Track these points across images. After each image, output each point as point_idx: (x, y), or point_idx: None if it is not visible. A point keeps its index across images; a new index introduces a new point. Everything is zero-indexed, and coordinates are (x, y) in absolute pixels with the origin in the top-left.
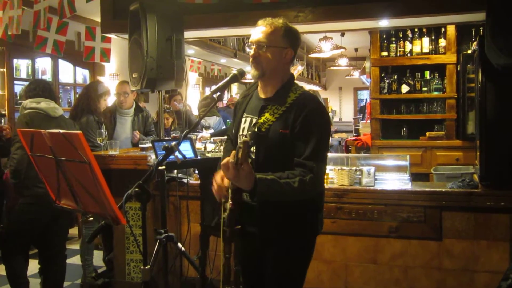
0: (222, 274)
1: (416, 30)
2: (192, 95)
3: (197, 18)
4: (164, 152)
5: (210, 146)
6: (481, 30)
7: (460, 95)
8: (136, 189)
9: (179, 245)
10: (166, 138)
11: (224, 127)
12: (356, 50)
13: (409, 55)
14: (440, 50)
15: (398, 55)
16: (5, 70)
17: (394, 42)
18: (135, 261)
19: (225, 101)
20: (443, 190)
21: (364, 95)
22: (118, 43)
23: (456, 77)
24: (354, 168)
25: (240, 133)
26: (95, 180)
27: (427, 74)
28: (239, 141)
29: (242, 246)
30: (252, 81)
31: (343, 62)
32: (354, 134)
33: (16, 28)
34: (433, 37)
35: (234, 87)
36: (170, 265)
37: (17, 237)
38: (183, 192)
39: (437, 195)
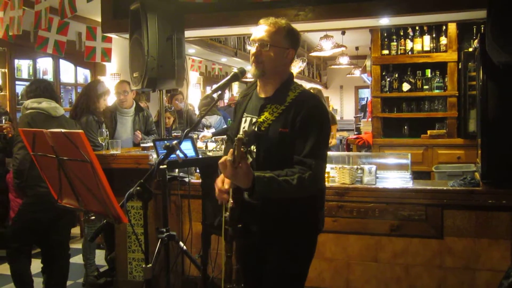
0: (223, 272)
1: (417, 28)
2: (193, 95)
3: (197, 17)
4: (165, 151)
5: (211, 145)
6: (482, 28)
7: (461, 93)
8: (138, 188)
9: (181, 243)
10: (168, 137)
11: (225, 126)
12: (357, 48)
13: (410, 53)
14: (441, 48)
15: (399, 53)
16: (6, 70)
17: (395, 40)
18: (137, 260)
19: (226, 100)
20: (445, 188)
21: (365, 93)
22: (119, 43)
23: (457, 75)
24: (355, 166)
25: (241, 132)
26: (96, 179)
27: (428, 72)
28: None
29: (243, 244)
30: (253, 79)
31: (344, 60)
32: (355, 133)
33: (17, 29)
34: (434, 35)
35: (235, 86)
36: (171, 264)
37: (20, 237)
38: (184, 191)
39: (438, 193)
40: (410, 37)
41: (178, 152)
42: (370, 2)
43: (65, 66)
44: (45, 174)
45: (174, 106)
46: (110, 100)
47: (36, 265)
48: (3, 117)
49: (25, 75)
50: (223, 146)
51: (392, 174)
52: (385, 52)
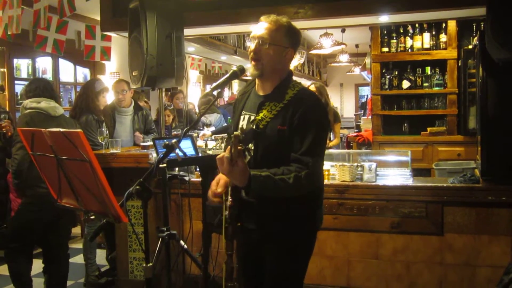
0: (224, 271)
1: (416, 25)
2: (193, 93)
3: (196, 15)
4: (165, 149)
5: (211, 144)
6: (481, 25)
7: (461, 90)
8: (137, 187)
9: (182, 242)
10: (168, 136)
11: (225, 124)
12: (357, 46)
13: (410, 50)
14: (441, 46)
15: (399, 50)
16: (5, 70)
17: (394, 38)
18: (137, 259)
19: (226, 99)
20: (445, 185)
21: (365, 91)
22: (118, 41)
23: (457, 72)
24: (355, 164)
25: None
26: (96, 178)
27: (428, 70)
28: None
29: (242, 242)
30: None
31: (344, 58)
32: (356, 130)
33: (16, 28)
34: (433, 33)
35: (235, 84)
36: (172, 263)
37: (19, 237)
38: (184, 190)
39: (438, 190)
40: (410, 34)
41: (177, 150)
42: None
43: (65, 65)
44: (44, 174)
45: (175, 105)
46: (109, 98)
47: (37, 265)
48: (3, 115)
49: (24, 75)
50: (223, 145)
51: (392, 171)
52: (385, 49)
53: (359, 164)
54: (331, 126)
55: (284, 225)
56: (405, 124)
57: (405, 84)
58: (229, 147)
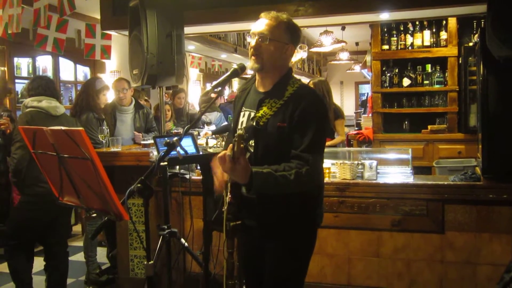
0: (225, 269)
1: (417, 23)
2: (193, 91)
3: (197, 13)
4: (166, 148)
5: (212, 142)
6: (482, 22)
7: (461, 88)
8: (139, 185)
9: (182, 240)
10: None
11: (225, 123)
12: (357, 44)
13: (410, 48)
14: (441, 43)
15: (399, 48)
16: (5, 68)
17: (395, 36)
18: (138, 257)
19: (225, 97)
20: (445, 183)
21: (366, 89)
22: (118, 40)
23: (457, 70)
24: (356, 162)
25: (239, 127)
26: (97, 176)
27: (429, 67)
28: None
29: (242, 240)
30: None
31: (344, 56)
32: (356, 128)
33: (16, 27)
34: (434, 30)
35: (235, 82)
36: (173, 261)
37: (18, 235)
38: (185, 188)
39: (439, 188)
40: (410, 32)
41: (178, 148)
42: None
43: (65, 63)
44: (46, 172)
45: (177, 104)
46: (109, 97)
47: (39, 263)
48: (3, 113)
49: (24, 73)
50: (223, 143)
51: (393, 169)
52: (385, 47)
53: (359, 162)
54: (331, 123)
55: (285, 222)
56: (406, 122)
57: (406, 81)
58: (230, 145)
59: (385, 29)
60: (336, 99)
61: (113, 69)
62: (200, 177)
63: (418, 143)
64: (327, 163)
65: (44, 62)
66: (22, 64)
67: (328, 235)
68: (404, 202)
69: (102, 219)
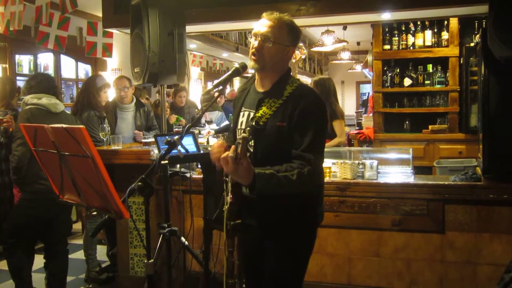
0: (225, 267)
1: (418, 23)
2: (194, 90)
3: (198, 12)
4: (166, 146)
5: (213, 141)
6: (484, 23)
7: (463, 88)
8: (139, 184)
9: (183, 239)
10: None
11: (226, 121)
12: (358, 43)
13: (411, 48)
14: (443, 43)
15: (400, 48)
16: (7, 65)
17: (396, 35)
18: (138, 256)
19: (225, 95)
20: (446, 183)
21: (367, 88)
22: (120, 38)
23: (458, 70)
24: (356, 161)
25: (239, 127)
26: (98, 174)
27: (430, 67)
28: (237, 135)
29: (242, 239)
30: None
31: (346, 55)
32: (357, 128)
33: (18, 24)
34: (435, 30)
35: (236, 81)
36: (173, 259)
37: (18, 233)
38: (186, 186)
39: (439, 188)
40: (411, 32)
41: (179, 147)
42: None
43: (66, 61)
44: (46, 170)
45: (178, 103)
46: (110, 95)
47: (39, 261)
48: (8, 111)
49: (26, 71)
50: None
51: (393, 169)
52: (387, 47)
53: (360, 162)
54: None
55: (285, 222)
56: (407, 122)
57: (407, 81)
58: (233, 146)
59: (387, 29)
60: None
61: (115, 67)
62: (201, 176)
63: (419, 143)
64: (327, 162)
65: (46, 60)
66: (24, 61)
67: (328, 234)
68: (405, 202)
69: (102, 217)
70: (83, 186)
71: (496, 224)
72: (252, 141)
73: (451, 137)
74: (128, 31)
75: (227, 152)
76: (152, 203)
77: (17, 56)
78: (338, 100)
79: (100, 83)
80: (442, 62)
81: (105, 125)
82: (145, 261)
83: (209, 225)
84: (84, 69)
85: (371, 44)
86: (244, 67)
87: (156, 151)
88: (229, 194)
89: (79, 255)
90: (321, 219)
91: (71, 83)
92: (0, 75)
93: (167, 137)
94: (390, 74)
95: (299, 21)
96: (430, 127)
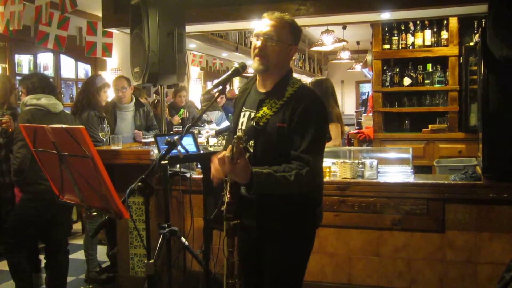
0: (225, 267)
1: (418, 22)
2: (194, 89)
3: (198, 12)
4: (166, 146)
5: (213, 140)
6: (483, 22)
7: (462, 87)
8: (139, 184)
9: (183, 239)
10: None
11: (226, 121)
12: (358, 43)
13: (411, 47)
14: (442, 43)
15: (400, 47)
16: (7, 65)
17: (396, 35)
18: (138, 256)
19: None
20: (446, 182)
21: (366, 88)
22: (119, 38)
23: (458, 70)
24: (356, 161)
25: (239, 127)
26: (98, 174)
27: (429, 67)
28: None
29: (241, 239)
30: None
31: (345, 55)
32: (357, 127)
33: (17, 24)
34: (435, 30)
35: (236, 81)
36: (173, 260)
37: (19, 233)
38: (186, 186)
39: (439, 187)
40: (411, 31)
41: (179, 147)
42: None
43: (66, 61)
44: (46, 170)
45: (178, 102)
46: (110, 95)
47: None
48: (6, 111)
49: (25, 70)
50: (224, 142)
51: (393, 168)
52: (386, 46)
53: (360, 161)
54: None
55: (284, 223)
56: (406, 121)
57: (406, 81)
58: (230, 146)
59: (386, 29)
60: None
61: (114, 67)
62: (201, 176)
63: (419, 142)
64: (327, 162)
65: (45, 59)
66: (23, 61)
67: (328, 234)
68: (405, 201)
69: (102, 217)
70: (83, 186)
71: (496, 223)
72: (252, 142)
73: (451, 136)
74: (128, 31)
75: (223, 152)
76: (152, 203)
77: (16, 56)
78: (337, 101)
79: (100, 83)
80: (441, 62)
81: (104, 125)
82: (145, 261)
83: (209, 225)
84: (84, 69)
85: (370, 43)
86: (244, 67)
87: (156, 151)
88: (227, 193)
89: (79, 255)
90: (320, 220)
91: (70, 83)
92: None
93: (167, 137)
94: (389, 73)
95: (299, 21)
96: (429, 126)
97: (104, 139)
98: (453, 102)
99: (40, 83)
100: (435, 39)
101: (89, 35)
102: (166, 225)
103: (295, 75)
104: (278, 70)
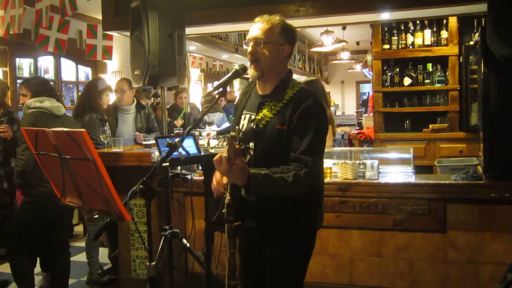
0: (227, 269)
1: (417, 22)
2: (194, 91)
3: (198, 14)
4: (167, 148)
5: (214, 142)
6: (483, 21)
7: (462, 86)
8: (141, 186)
9: (184, 241)
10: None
11: (227, 123)
12: (357, 43)
13: (411, 47)
14: (442, 42)
15: (400, 47)
16: (7, 69)
17: (395, 35)
18: (140, 258)
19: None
20: (447, 182)
21: (367, 88)
22: (119, 41)
23: (458, 69)
24: (357, 161)
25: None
26: (99, 177)
27: (430, 66)
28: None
29: (242, 241)
30: None
31: (345, 55)
32: (357, 128)
33: (18, 27)
34: (434, 29)
35: (236, 82)
36: (175, 261)
37: (21, 235)
38: (187, 188)
39: (441, 187)
40: (411, 31)
41: (180, 149)
42: None
43: (66, 64)
44: (48, 173)
45: (179, 104)
46: (112, 97)
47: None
48: (3, 118)
49: (26, 74)
50: (225, 143)
51: (394, 168)
52: (386, 46)
53: (361, 162)
54: None
55: (284, 224)
56: (407, 121)
57: (407, 81)
58: (227, 146)
59: (386, 29)
60: (337, 99)
61: (115, 69)
62: (202, 178)
63: (420, 142)
64: (328, 163)
65: (46, 63)
66: (24, 64)
67: (330, 235)
68: (406, 201)
69: (104, 219)
70: (85, 189)
71: (497, 223)
72: (252, 144)
73: (452, 136)
74: (128, 33)
75: (220, 153)
76: (153, 205)
77: (17, 60)
78: (328, 102)
79: (102, 86)
80: (441, 61)
81: (105, 128)
82: (147, 263)
83: (211, 227)
84: (84, 72)
85: (370, 43)
86: (244, 68)
87: (157, 153)
88: (228, 195)
89: (81, 257)
90: (320, 221)
91: (71, 86)
92: (1, 78)
93: (168, 139)
94: (389, 73)
95: (298, 22)
96: (430, 126)
97: (105, 142)
98: (454, 101)
99: (45, 86)
100: (435, 38)
101: (89, 38)
102: (168, 227)
103: (294, 76)
104: (275, 73)
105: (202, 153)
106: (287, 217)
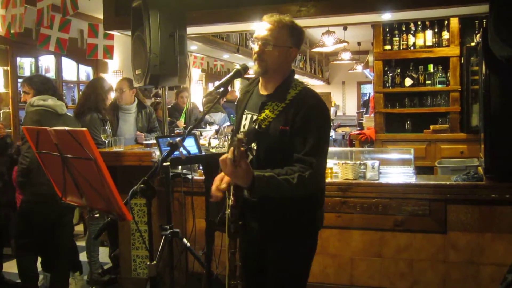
0: (227, 269)
1: (419, 23)
2: (195, 91)
3: (199, 13)
4: (168, 148)
5: (215, 142)
6: (484, 22)
7: (464, 87)
8: (141, 186)
9: (185, 240)
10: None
11: (228, 123)
12: (359, 44)
13: (412, 48)
14: (444, 43)
15: (401, 48)
16: (8, 68)
17: (397, 36)
18: (141, 257)
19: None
20: (448, 183)
21: (368, 89)
22: (121, 40)
23: (459, 70)
24: (358, 162)
25: (241, 129)
26: (100, 176)
27: (431, 67)
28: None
29: (244, 241)
30: (254, 76)
31: (346, 56)
32: (358, 128)
33: (19, 26)
34: (436, 30)
35: (237, 82)
36: (175, 261)
37: (24, 235)
38: (188, 188)
39: (441, 188)
40: (412, 32)
41: (181, 149)
42: None
43: (67, 63)
44: (49, 172)
45: (180, 103)
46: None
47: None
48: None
49: (27, 73)
50: (226, 143)
51: (395, 169)
52: (387, 47)
53: (362, 162)
54: None
55: (285, 224)
56: (408, 122)
57: (408, 81)
58: (231, 148)
59: (387, 29)
60: (338, 99)
61: (116, 69)
62: (202, 177)
63: (420, 143)
64: (329, 163)
65: (47, 62)
66: (25, 63)
67: (330, 235)
68: (407, 202)
69: (105, 219)
70: (86, 188)
71: (498, 224)
72: (254, 144)
73: (453, 137)
74: (129, 33)
75: (225, 155)
76: (154, 205)
77: (18, 59)
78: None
79: (108, 86)
80: (443, 62)
81: (106, 127)
82: (148, 262)
83: (211, 227)
84: (85, 71)
85: (371, 44)
86: (245, 68)
87: (157, 153)
88: (231, 196)
89: (81, 256)
90: (321, 222)
91: (72, 85)
92: (2, 77)
93: (168, 138)
94: (391, 74)
95: (299, 22)
96: (431, 127)
97: (106, 141)
98: (455, 102)
99: (48, 84)
100: (436, 39)
101: (91, 38)
102: (168, 227)
103: (295, 76)
104: (279, 73)
105: (203, 153)
106: (288, 217)
